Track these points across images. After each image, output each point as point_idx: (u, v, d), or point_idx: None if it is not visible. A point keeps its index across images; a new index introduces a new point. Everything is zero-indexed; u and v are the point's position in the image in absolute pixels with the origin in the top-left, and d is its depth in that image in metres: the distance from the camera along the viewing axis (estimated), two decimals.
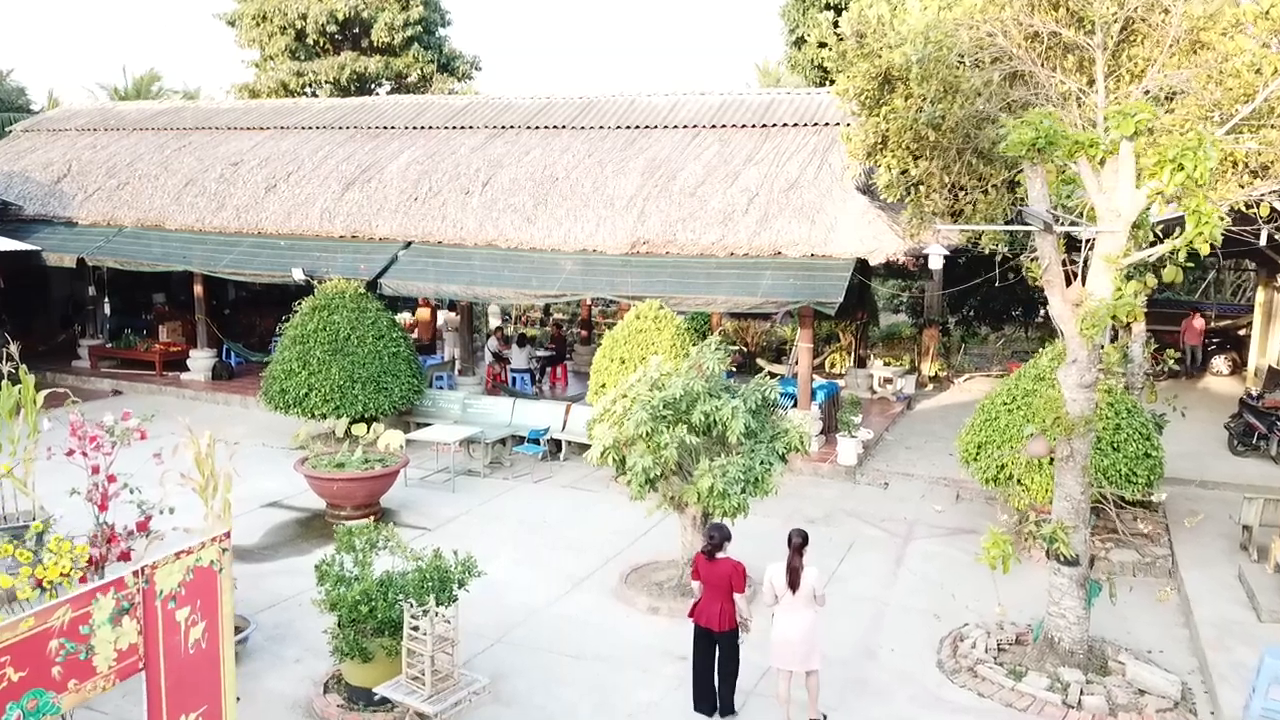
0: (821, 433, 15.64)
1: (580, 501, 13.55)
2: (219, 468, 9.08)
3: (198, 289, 19.69)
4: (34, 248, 18.85)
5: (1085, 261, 9.61)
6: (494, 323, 23.42)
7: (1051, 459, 9.80)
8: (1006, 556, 8.50)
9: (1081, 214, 10.29)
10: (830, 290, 13.93)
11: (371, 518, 12.71)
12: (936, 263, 13.43)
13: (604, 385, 13.73)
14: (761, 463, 9.60)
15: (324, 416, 15.35)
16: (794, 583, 7.59)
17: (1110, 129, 8.31)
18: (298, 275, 16.71)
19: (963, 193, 14.11)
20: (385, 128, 20.40)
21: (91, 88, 34.49)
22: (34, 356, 21.98)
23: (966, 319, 28.62)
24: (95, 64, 72.57)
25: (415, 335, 23.20)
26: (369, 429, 13.22)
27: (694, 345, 10.36)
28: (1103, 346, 8.75)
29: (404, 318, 24.60)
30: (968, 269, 27.19)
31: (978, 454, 12.17)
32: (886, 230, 14.36)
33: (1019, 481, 11.69)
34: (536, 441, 15.17)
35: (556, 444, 15.72)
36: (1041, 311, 29.64)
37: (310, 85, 29.37)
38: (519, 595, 10.54)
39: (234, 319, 23.00)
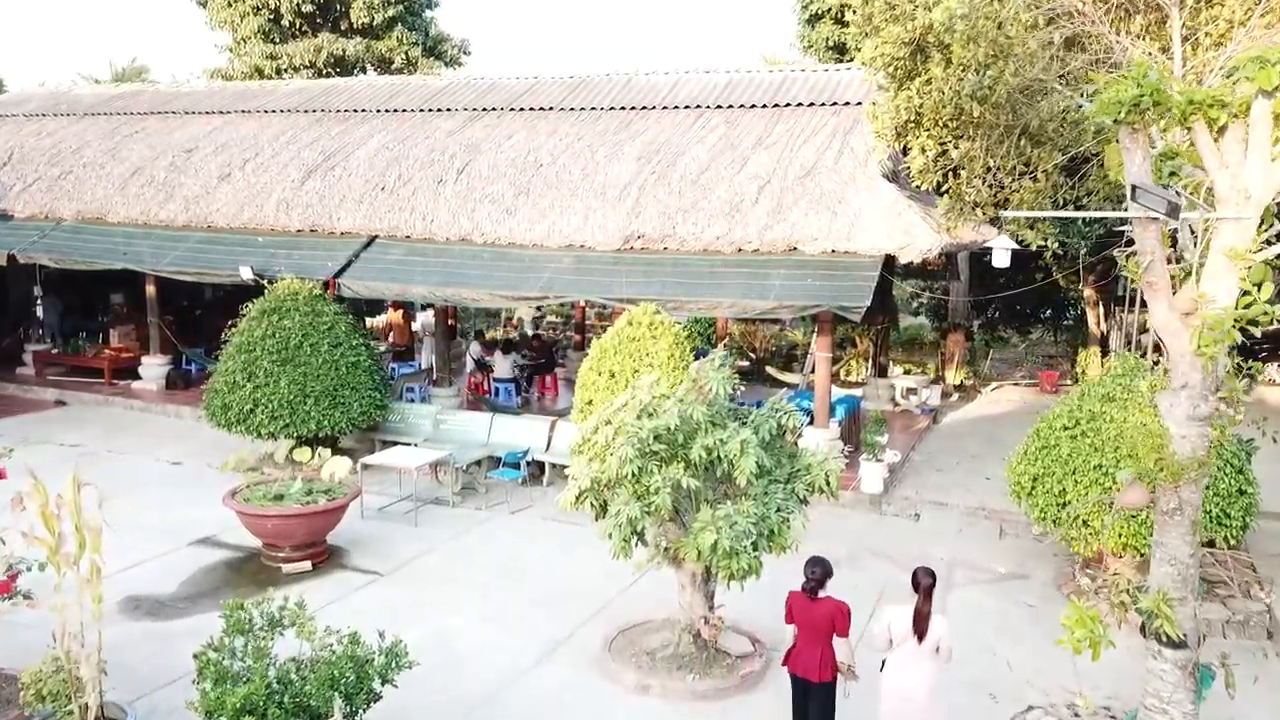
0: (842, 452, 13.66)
1: (563, 538, 11.58)
2: (89, 519, 7.20)
3: (149, 289, 17.80)
4: None
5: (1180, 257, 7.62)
6: (527, 326, 21.26)
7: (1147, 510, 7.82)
8: (1097, 640, 6.53)
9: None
10: (855, 292, 11.96)
11: (311, 560, 10.79)
12: (1003, 259, 11.40)
13: (590, 403, 11.78)
14: (778, 510, 7.63)
15: (272, 435, 13.43)
16: (921, 631, 6.55)
17: (1243, 81, 6.32)
18: (245, 274, 14.78)
19: (1009, 179, 12.14)
20: (355, 111, 18.46)
21: (75, 80, 32.65)
22: None
23: (990, 322, 26.64)
24: (88, 58, 70.85)
25: (391, 340, 21.27)
26: (313, 453, 11.29)
27: (696, 356, 8.33)
28: (1234, 369, 6.75)
29: (380, 321, 22.68)
30: (995, 268, 25.24)
31: (1033, 488, 10.21)
32: (919, 222, 12.38)
33: (1085, 523, 9.72)
34: (515, 466, 13.20)
35: (541, 466, 13.78)
36: (1071, 315, 27.70)
37: (285, 70, 27.42)
38: (481, 665, 8.61)
39: (207, 322, 21.01)
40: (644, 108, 16.39)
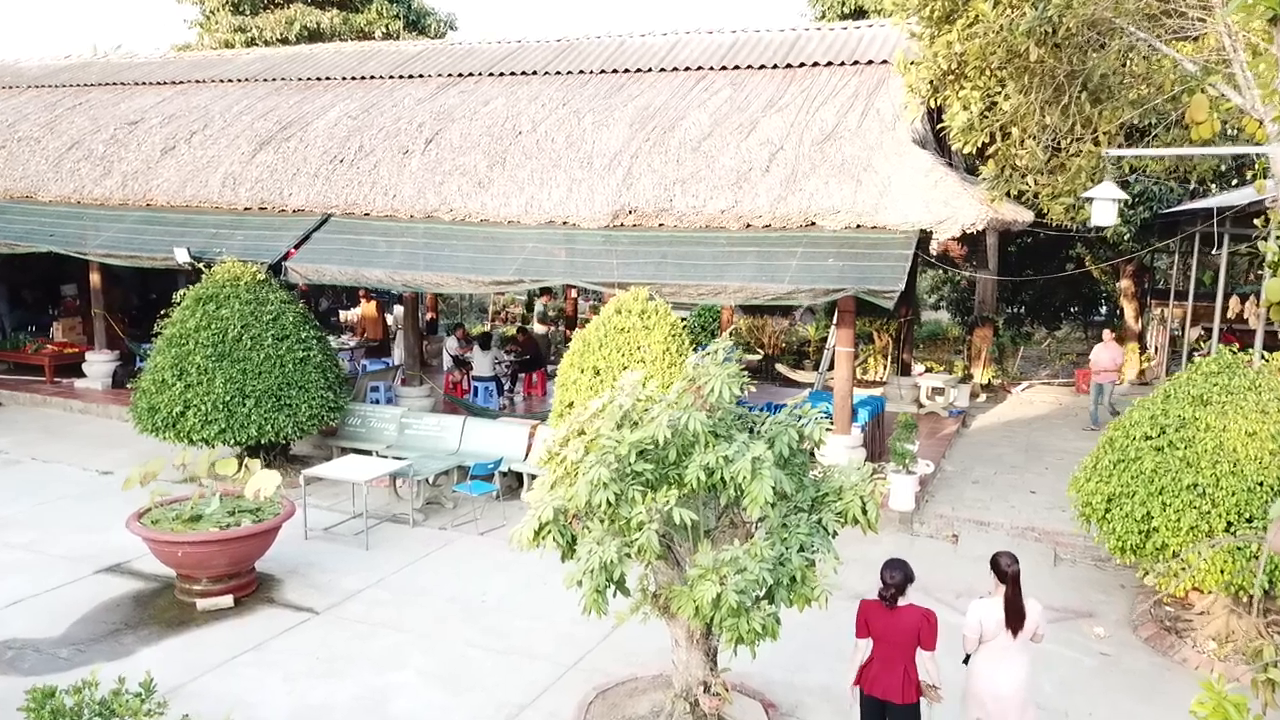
0: (865, 461, 11.78)
1: (536, 566, 9.66)
2: None
3: (94, 277, 15.98)
4: None
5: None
6: (538, 327, 19.31)
7: None
8: None
9: None
10: (886, 275, 10.06)
11: (234, 594, 8.94)
12: (1107, 216, 9.38)
13: (571, 405, 9.92)
14: (801, 549, 5.76)
15: (206, 442, 11.60)
16: (1016, 623, 5.99)
17: None
18: (181, 257, 12.94)
19: (1067, 141, 10.25)
20: (319, 79, 16.60)
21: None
22: None
23: (1017, 317, 24.77)
24: (73, 43, 69.06)
25: (363, 334, 19.44)
26: (240, 465, 9.43)
27: (698, 351, 6.43)
28: None
29: (354, 314, 20.85)
30: (1023, 256, 23.38)
31: (1108, 510, 8.33)
32: (959, 192, 10.49)
33: (1175, 554, 7.85)
34: (487, 478, 11.33)
35: (519, 478, 11.94)
36: (1102, 310, 25.83)
37: (255, 44, 25.56)
38: None
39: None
40: (638, 70, 14.52)
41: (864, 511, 6.08)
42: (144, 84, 17.99)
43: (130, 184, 14.80)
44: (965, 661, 6.24)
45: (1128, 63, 10.16)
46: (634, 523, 5.49)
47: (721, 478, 5.61)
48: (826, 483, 6.26)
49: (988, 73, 9.62)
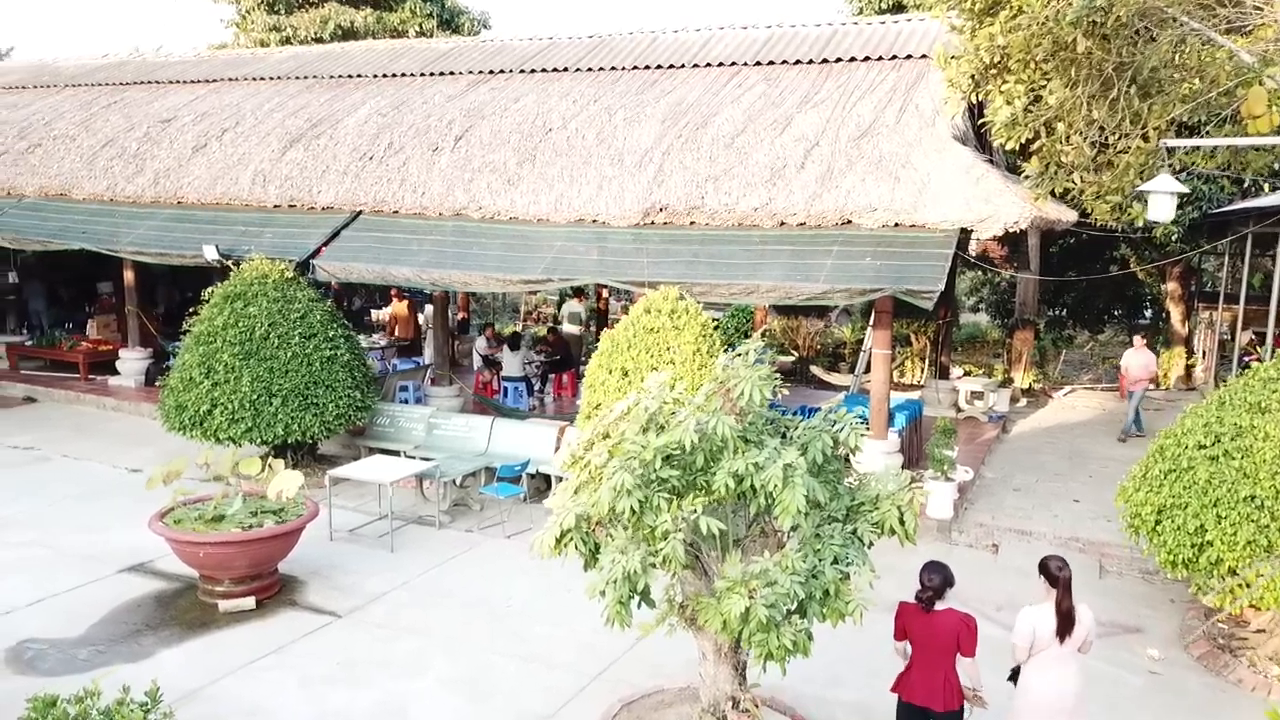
0: (901, 468, 11.46)
1: (562, 571, 9.43)
2: None
3: (127, 274, 16.00)
4: None
5: None
6: (568, 325, 19.13)
7: None
8: None
9: None
10: (926, 274, 9.73)
11: (256, 596, 8.81)
12: (1164, 211, 8.96)
13: (599, 407, 9.69)
14: (835, 561, 5.48)
15: (233, 441, 11.51)
16: (1066, 629, 5.76)
17: None
18: (210, 255, 12.89)
19: (1115, 137, 9.85)
20: (350, 76, 16.52)
21: None
22: None
23: (1058, 320, 24.17)
24: (114, 44, 70.15)
25: (395, 334, 19.36)
26: (264, 465, 9.30)
27: (729, 352, 6.16)
28: None
29: (385, 313, 20.80)
30: (1064, 257, 22.80)
31: (1158, 522, 7.96)
32: (1002, 189, 10.13)
33: (1234, 571, 7.47)
34: (514, 480, 11.14)
35: (547, 480, 11.73)
36: (1146, 313, 25.15)
37: (290, 43, 25.67)
38: None
39: None
40: (671, 66, 14.27)
41: (901, 522, 5.78)
42: (178, 82, 18.04)
43: (162, 181, 14.81)
44: (1012, 678, 6.00)
45: (1179, 55, 9.76)
46: (659, 532, 5.24)
47: (751, 485, 5.34)
48: (862, 491, 5.97)
49: (1032, 65, 9.26)
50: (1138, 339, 15.37)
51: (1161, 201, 8.79)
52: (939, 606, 5.69)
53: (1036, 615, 5.79)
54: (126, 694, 4.60)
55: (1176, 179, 10.15)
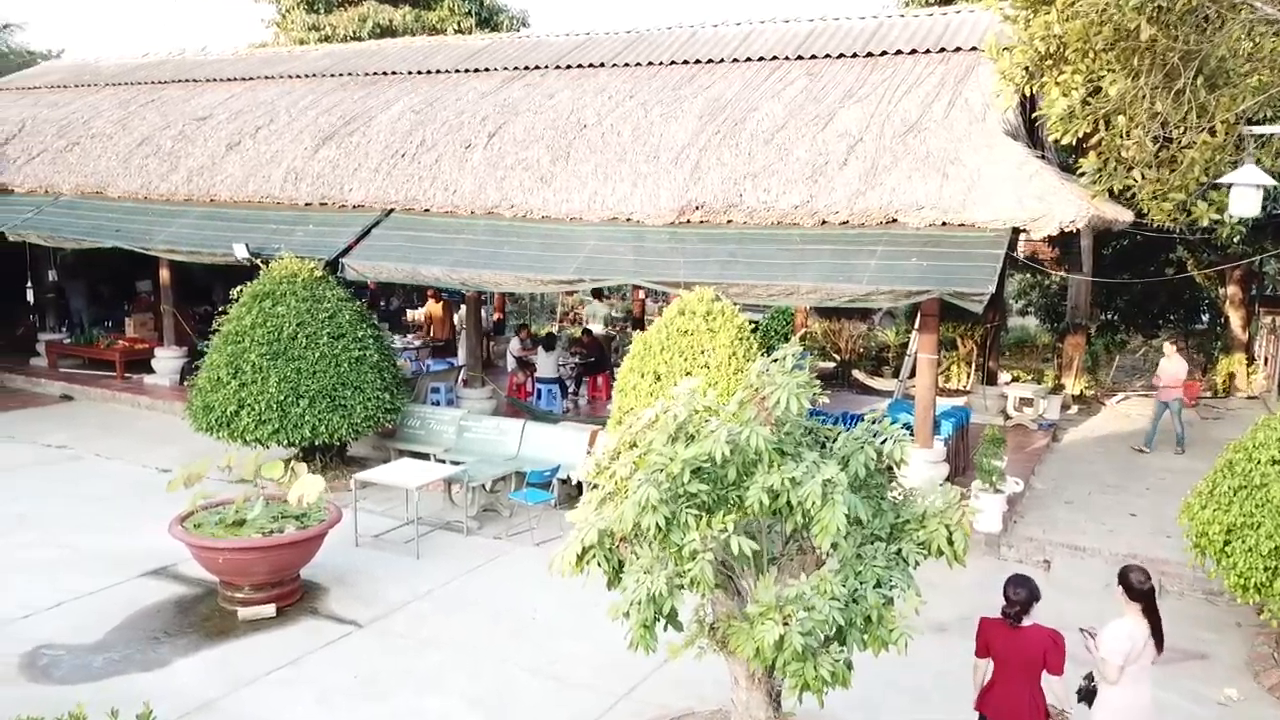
0: (947, 479, 10.98)
1: (591, 583, 9.11)
2: None
3: (163, 273, 15.95)
4: None
5: None
6: (594, 325, 18.85)
7: None
8: None
9: None
10: (974, 275, 9.24)
11: (277, 603, 8.57)
12: (1249, 205, 8.37)
13: (630, 412, 9.31)
14: (878, 584, 5.06)
15: (259, 442, 11.32)
16: (1160, 645, 5.58)
17: None
18: (240, 253, 12.74)
19: (1179, 131, 9.28)
20: (384, 74, 16.33)
21: None
22: None
23: (1110, 324, 23.37)
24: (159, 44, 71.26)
25: (430, 334, 19.17)
26: (287, 468, 9.06)
27: (767, 357, 5.73)
28: None
29: (420, 313, 20.63)
30: (1118, 260, 22.03)
31: (1227, 542, 7.42)
32: (1057, 187, 9.62)
33: None
34: (543, 485, 10.81)
35: (579, 486, 11.38)
36: (1204, 318, 24.25)
37: (329, 42, 25.65)
38: None
39: None
40: (710, 61, 13.87)
41: (950, 542, 5.35)
42: (215, 80, 18.01)
43: (195, 179, 14.72)
44: (1083, 699, 5.72)
45: (1250, 44, 9.17)
46: (686, 551, 4.86)
47: (788, 501, 4.95)
48: (907, 508, 5.55)
49: (1091, 55, 8.73)
50: (1169, 345, 14.57)
51: (1245, 195, 8.21)
52: (1025, 622, 5.44)
53: (1129, 629, 5.51)
54: (114, 717, 4.31)
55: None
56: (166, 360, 16.78)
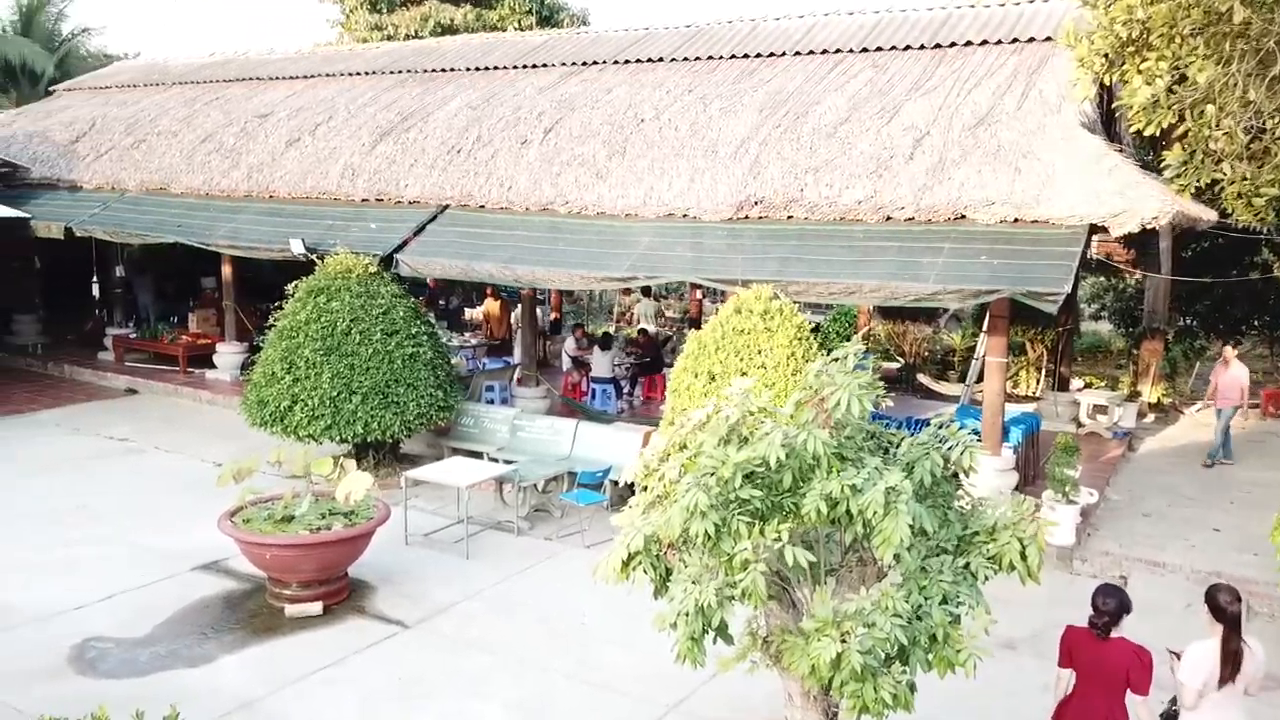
0: (1016, 488, 10.49)
1: (642, 588, 8.83)
2: None
3: (225, 269, 16.11)
4: (22, 215, 15.62)
5: None
6: (646, 324, 18.66)
7: None
8: None
9: None
10: (1049, 274, 8.77)
11: (324, 601, 8.46)
12: None
13: (684, 413, 9.02)
14: (944, 600, 4.71)
15: (312, 438, 11.29)
16: (1230, 673, 5.07)
17: None
18: (296, 249, 12.76)
19: (1273, 120, 8.70)
20: (442, 70, 16.29)
21: None
22: (61, 346, 19.23)
23: (1189, 330, 22.39)
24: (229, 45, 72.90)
25: (487, 332, 19.11)
26: (336, 465, 8.95)
27: (827, 358, 5.38)
28: None
29: (479, 312, 20.59)
30: (1197, 262, 21.08)
31: None
32: (1139, 181, 9.10)
33: None
34: (595, 487, 10.59)
35: (630, 487, 11.11)
36: None
37: (390, 41, 25.85)
38: None
39: None
40: (771, 55, 13.54)
41: (1024, 557, 4.98)
42: (278, 79, 18.17)
43: (255, 176, 14.83)
44: None
45: None
46: (737, 561, 4.56)
47: (847, 510, 4.63)
48: (976, 518, 5.18)
49: (1178, 40, 8.22)
50: (1228, 350, 13.75)
51: None
52: (1114, 635, 5.19)
53: (1204, 652, 5.16)
54: (139, 718, 4.16)
55: None
56: (227, 355, 16.94)
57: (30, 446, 13.27)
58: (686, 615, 4.63)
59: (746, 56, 13.71)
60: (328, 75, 17.54)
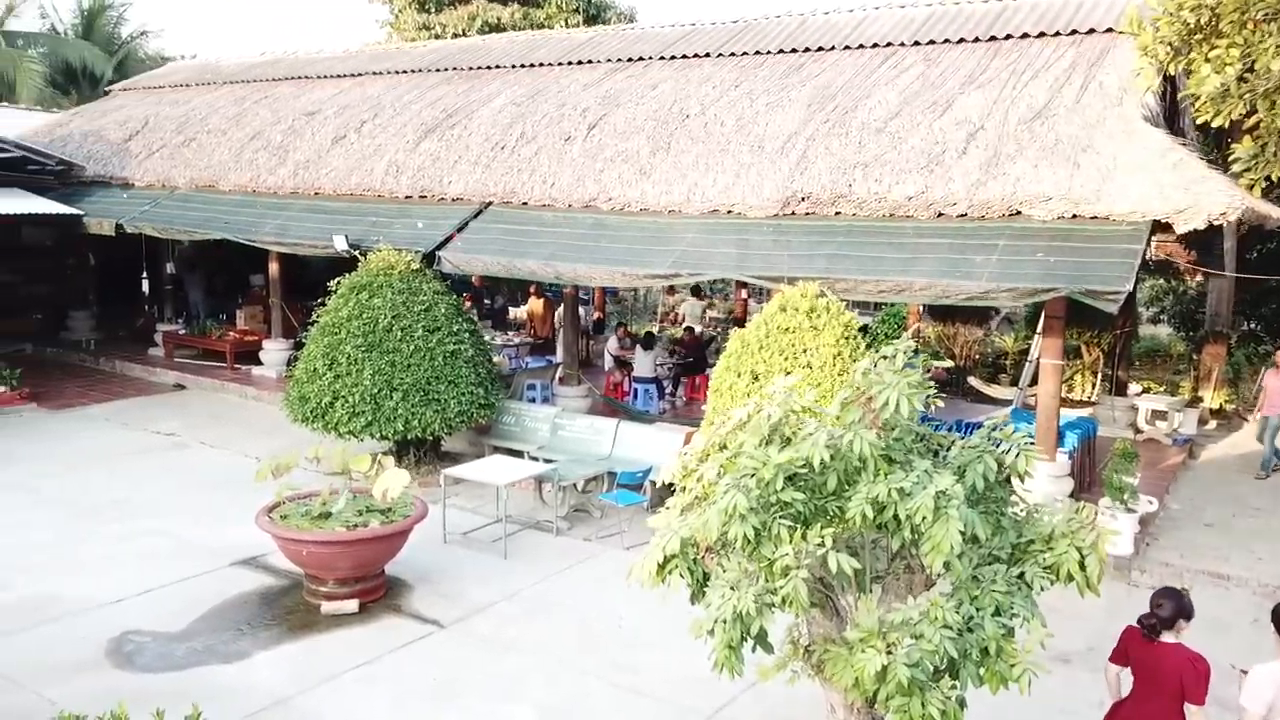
0: (1071, 495, 10.11)
1: (674, 592, 8.62)
2: None
3: (272, 266, 16.22)
4: (76, 212, 15.87)
5: None
6: (691, 323, 18.50)
7: None
8: None
9: None
10: (1109, 273, 8.41)
11: (360, 599, 8.39)
12: None
13: (727, 412, 8.81)
14: (997, 612, 4.46)
15: (353, 434, 11.26)
16: None
17: None
18: (340, 245, 12.76)
19: None
20: (488, 68, 16.24)
21: None
22: (113, 342, 19.54)
23: (1252, 334, 21.61)
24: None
25: (531, 331, 19.04)
26: (374, 462, 8.87)
27: (874, 357, 5.12)
28: None
29: (523, 311, 20.54)
30: (1261, 263, 20.33)
31: None
32: (1205, 175, 8.70)
33: None
34: (635, 487, 10.41)
35: (670, 488, 10.92)
36: None
37: (438, 40, 25.96)
38: None
39: None
40: (819, 49, 13.26)
41: (1083, 567, 4.70)
42: (325, 77, 18.27)
43: (301, 173, 14.89)
44: None
45: None
46: (778, 567, 4.35)
47: (895, 515, 4.40)
48: (1031, 526, 4.91)
49: (1249, 26, 7.84)
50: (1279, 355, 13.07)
51: None
52: (1167, 639, 5.03)
53: (1276, 675, 4.86)
54: (159, 718, 4.06)
55: None
56: (273, 352, 17.05)
57: (78, 441, 13.44)
58: (724, 623, 4.43)
59: (794, 51, 13.45)
60: (374, 73, 17.59)
